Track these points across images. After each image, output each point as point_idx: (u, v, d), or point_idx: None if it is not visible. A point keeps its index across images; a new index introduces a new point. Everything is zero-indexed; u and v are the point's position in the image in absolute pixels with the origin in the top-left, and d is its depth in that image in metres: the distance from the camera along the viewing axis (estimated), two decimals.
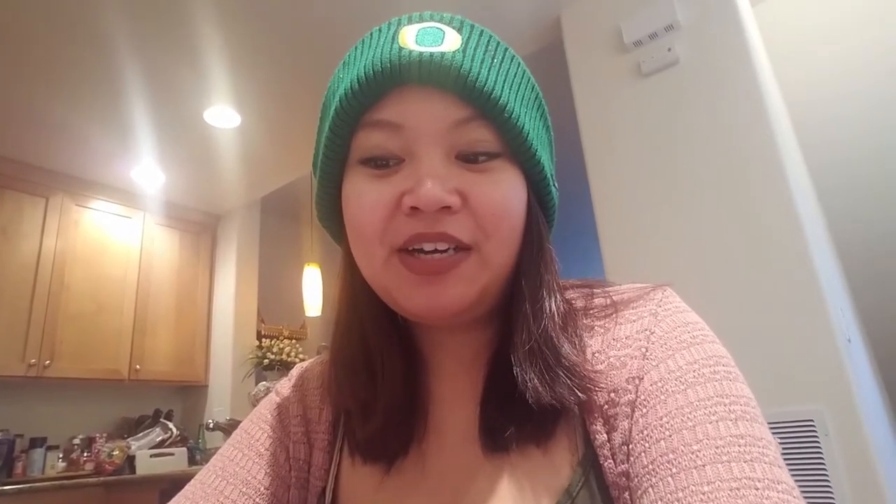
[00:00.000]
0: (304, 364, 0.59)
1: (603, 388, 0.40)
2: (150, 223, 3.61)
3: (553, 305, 0.43)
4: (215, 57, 2.41)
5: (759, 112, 1.70)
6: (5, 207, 3.00)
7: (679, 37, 1.91)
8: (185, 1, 2.09)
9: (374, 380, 0.45)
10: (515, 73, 0.42)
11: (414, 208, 0.38)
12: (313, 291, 3.37)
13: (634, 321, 0.43)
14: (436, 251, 0.39)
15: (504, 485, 0.41)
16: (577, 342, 0.43)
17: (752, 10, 2.10)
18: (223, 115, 2.83)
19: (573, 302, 0.47)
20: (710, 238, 1.72)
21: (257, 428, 0.53)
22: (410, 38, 0.39)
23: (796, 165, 1.85)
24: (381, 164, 0.41)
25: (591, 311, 0.46)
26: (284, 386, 0.56)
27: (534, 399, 0.40)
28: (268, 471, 0.49)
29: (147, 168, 3.28)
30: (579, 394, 0.40)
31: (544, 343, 0.41)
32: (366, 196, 0.41)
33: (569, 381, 0.40)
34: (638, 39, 1.97)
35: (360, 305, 0.46)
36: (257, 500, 0.48)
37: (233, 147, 3.12)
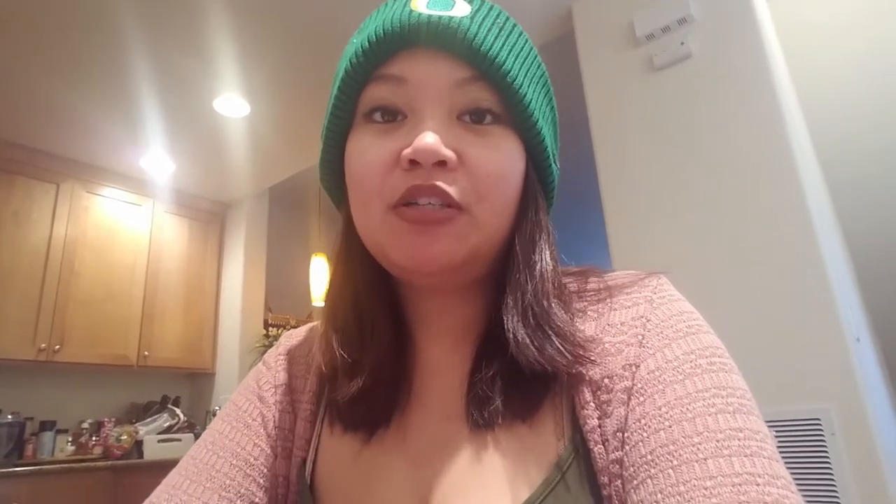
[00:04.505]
0: (293, 332, 0.59)
1: (594, 361, 0.40)
2: (159, 211, 3.63)
3: (546, 269, 0.44)
4: (225, 46, 2.41)
5: (772, 107, 1.69)
6: (17, 193, 3.03)
7: (692, 30, 1.89)
8: None
9: (363, 338, 0.46)
10: (522, 47, 0.43)
11: (412, 162, 0.39)
12: (320, 281, 3.39)
13: (629, 307, 0.43)
14: (429, 205, 0.40)
15: (488, 460, 0.41)
16: (569, 314, 0.43)
17: (766, 4, 2.07)
18: (233, 105, 2.83)
19: (567, 286, 0.47)
20: (719, 234, 1.71)
21: (245, 399, 0.53)
22: (422, 4, 0.41)
23: (808, 161, 1.83)
24: (386, 118, 0.42)
25: (585, 295, 0.46)
26: (271, 355, 0.56)
27: (524, 359, 0.40)
28: (256, 442, 0.50)
29: (157, 156, 3.30)
30: (569, 358, 0.40)
31: (536, 303, 0.42)
32: (368, 152, 0.41)
33: (559, 345, 0.40)
34: (650, 33, 1.95)
35: (355, 265, 0.47)
36: (248, 471, 0.48)
37: (242, 136, 3.13)
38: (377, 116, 0.42)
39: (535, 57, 0.45)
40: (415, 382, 0.47)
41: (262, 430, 0.50)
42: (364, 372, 0.45)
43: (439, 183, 0.39)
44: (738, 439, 0.33)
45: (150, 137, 3.10)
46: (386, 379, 0.46)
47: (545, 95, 0.46)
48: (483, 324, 0.46)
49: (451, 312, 0.48)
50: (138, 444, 3.07)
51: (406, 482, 0.43)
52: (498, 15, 0.43)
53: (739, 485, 0.31)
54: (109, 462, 2.86)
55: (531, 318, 0.41)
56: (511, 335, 0.41)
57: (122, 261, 3.38)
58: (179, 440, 3.18)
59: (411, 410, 0.46)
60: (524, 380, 0.41)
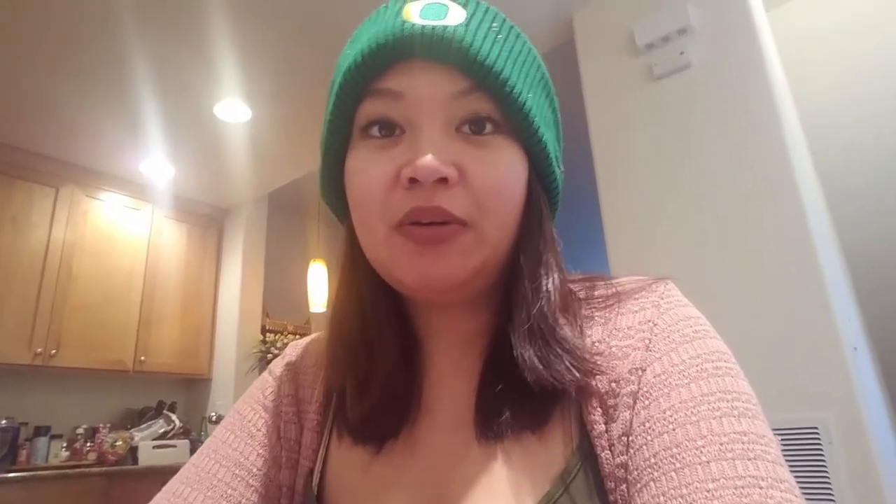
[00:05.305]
0: (299, 342, 0.58)
1: (603, 371, 0.40)
2: (158, 216, 3.63)
3: (552, 285, 0.43)
4: (227, 51, 2.42)
5: (771, 118, 1.69)
6: (16, 197, 3.03)
7: (692, 40, 1.90)
8: None
9: (372, 355, 0.45)
10: (520, 51, 0.42)
11: (412, 180, 0.38)
12: (318, 287, 3.39)
13: (637, 312, 0.43)
14: (432, 224, 0.39)
15: (496, 471, 0.40)
16: (577, 325, 0.43)
17: (765, 14, 2.09)
18: (233, 110, 2.84)
19: (576, 293, 0.46)
20: (718, 244, 1.71)
21: (249, 409, 0.52)
22: (415, 13, 0.40)
23: (806, 170, 1.84)
24: (383, 133, 0.41)
25: (592, 302, 0.45)
26: (278, 365, 0.56)
27: (532, 378, 0.39)
28: (260, 451, 0.49)
29: (156, 161, 3.30)
30: (577, 374, 0.39)
31: (542, 320, 0.41)
32: (366, 170, 0.41)
33: (567, 361, 0.39)
34: (650, 42, 1.96)
35: (360, 279, 0.46)
36: (250, 481, 0.48)
37: (242, 142, 3.14)
38: (374, 131, 0.41)
39: (535, 59, 0.44)
40: (424, 395, 0.47)
41: (265, 441, 0.50)
42: (375, 388, 0.45)
43: (442, 205, 0.38)
44: (742, 443, 0.33)
45: (150, 142, 3.10)
46: (396, 393, 0.45)
47: (546, 98, 0.45)
48: (490, 335, 0.45)
49: (457, 325, 0.48)
50: (133, 451, 3.05)
51: (415, 495, 0.43)
52: (494, 18, 0.42)
53: (742, 487, 0.31)
54: (104, 468, 2.85)
55: (538, 334, 0.41)
56: (518, 353, 0.40)
57: (120, 265, 3.37)
58: (174, 446, 3.16)
59: (420, 422, 0.46)
60: (532, 393, 0.40)
